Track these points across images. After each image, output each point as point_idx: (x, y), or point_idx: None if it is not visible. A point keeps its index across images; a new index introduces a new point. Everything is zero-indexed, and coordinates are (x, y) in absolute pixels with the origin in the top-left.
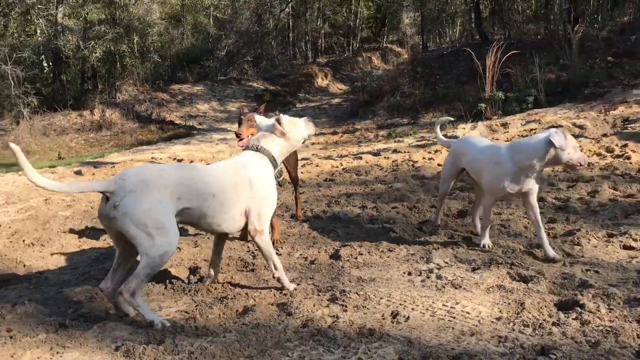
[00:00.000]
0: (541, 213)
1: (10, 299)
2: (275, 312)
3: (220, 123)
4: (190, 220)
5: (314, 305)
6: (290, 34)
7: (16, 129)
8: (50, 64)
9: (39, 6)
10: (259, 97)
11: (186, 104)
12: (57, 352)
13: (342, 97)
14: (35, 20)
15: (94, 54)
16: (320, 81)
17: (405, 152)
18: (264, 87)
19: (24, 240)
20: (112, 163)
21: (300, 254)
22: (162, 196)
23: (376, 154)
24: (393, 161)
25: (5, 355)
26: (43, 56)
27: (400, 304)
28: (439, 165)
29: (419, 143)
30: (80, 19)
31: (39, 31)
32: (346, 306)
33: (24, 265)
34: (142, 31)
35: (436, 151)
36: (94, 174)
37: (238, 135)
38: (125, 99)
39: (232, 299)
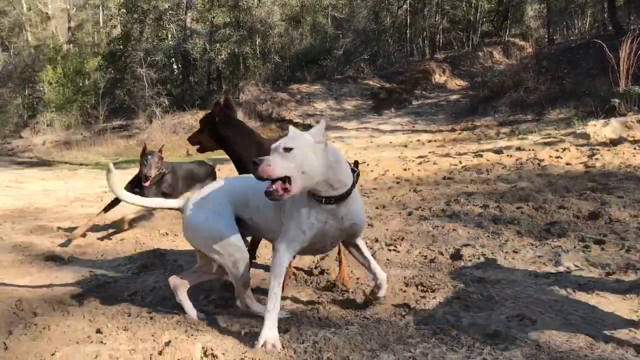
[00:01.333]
0: None
1: (149, 283)
2: (395, 309)
3: (337, 121)
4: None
5: (435, 304)
6: (408, 31)
7: (149, 127)
8: (180, 66)
9: (170, 12)
10: (374, 95)
11: (304, 103)
12: (192, 335)
13: (461, 93)
14: (167, 26)
15: (219, 56)
16: (438, 77)
17: (529, 149)
18: (380, 85)
19: (159, 230)
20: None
21: (419, 252)
22: (219, 208)
23: (498, 151)
24: (517, 159)
25: (147, 334)
26: (173, 59)
27: (527, 307)
28: (567, 164)
29: (545, 140)
30: (207, 22)
31: (169, 35)
32: (469, 306)
33: (160, 253)
34: (264, 33)
35: (564, 149)
36: (219, 170)
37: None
38: (248, 99)
39: (352, 292)
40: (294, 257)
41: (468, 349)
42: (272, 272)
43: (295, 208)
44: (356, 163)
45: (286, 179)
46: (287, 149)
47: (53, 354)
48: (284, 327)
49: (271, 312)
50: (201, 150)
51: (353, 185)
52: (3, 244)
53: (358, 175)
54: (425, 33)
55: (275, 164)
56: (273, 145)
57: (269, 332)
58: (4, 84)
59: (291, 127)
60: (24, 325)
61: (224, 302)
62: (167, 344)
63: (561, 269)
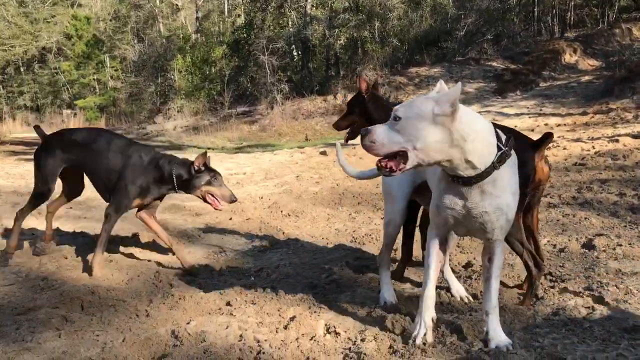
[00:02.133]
0: None
1: (274, 260)
2: (520, 297)
3: None
4: None
5: (566, 295)
6: (535, 9)
7: (270, 113)
8: (300, 52)
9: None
10: (498, 76)
11: (423, 87)
12: (315, 312)
13: (594, 74)
14: (288, 13)
15: (338, 41)
16: (569, 57)
17: None
18: (504, 66)
19: (281, 211)
20: (353, 145)
21: (548, 241)
22: None
23: (637, 136)
24: None
25: (273, 309)
26: (293, 46)
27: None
28: None
29: None
30: (326, 8)
31: (290, 22)
32: (603, 298)
33: (283, 233)
34: (383, 16)
35: None
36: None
37: None
38: None
39: (476, 279)
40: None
41: (602, 342)
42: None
43: (435, 181)
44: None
45: (399, 154)
46: (396, 118)
47: (188, 323)
48: (405, 310)
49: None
50: (352, 136)
51: (494, 167)
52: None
53: (504, 154)
54: (554, 10)
55: (380, 139)
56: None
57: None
58: (139, 73)
59: (440, 82)
60: (162, 295)
61: (345, 282)
62: (292, 319)
63: None
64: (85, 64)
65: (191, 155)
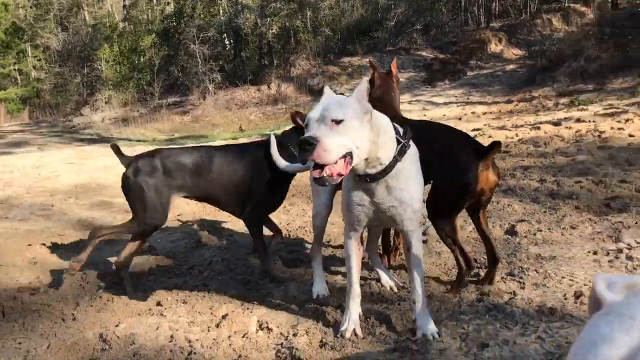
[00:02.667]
0: None
1: (206, 257)
2: (449, 285)
3: None
4: None
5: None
6: None
7: (203, 103)
8: (232, 41)
9: None
10: (428, 66)
11: (355, 76)
12: (248, 308)
13: (518, 63)
14: (219, 1)
15: (270, 31)
16: (494, 47)
17: (590, 121)
18: (433, 55)
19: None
20: None
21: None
22: None
23: (557, 123)
24: (576, 131)
25: (205, 307)
26: (225, 34)
27: (585, 285)
28: (630, 136)
29: (607, 111)
30: None
31: (221, 11)
32: (524, 283)
33: (216, 228)
34: (315, 6)
35: (627, 120)
36: None
37: None
38: (299, 73)
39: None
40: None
41: (522, 326)
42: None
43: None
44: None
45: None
46: (337, 121)
47: (117, 325)
48: (337, 302)
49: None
50: None
51: (396, 160)
52: (68, 219)
53: (404, 147)
54: (480, 1)
55: (332, 146)
56: (312, 115)
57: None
58: (64, 63)
59: (327, 89)
60: (89, 298)
61: (280, 279)
62: (224, 317)
63: (621, 245)
64: (4, 53)
65: (121, 149)
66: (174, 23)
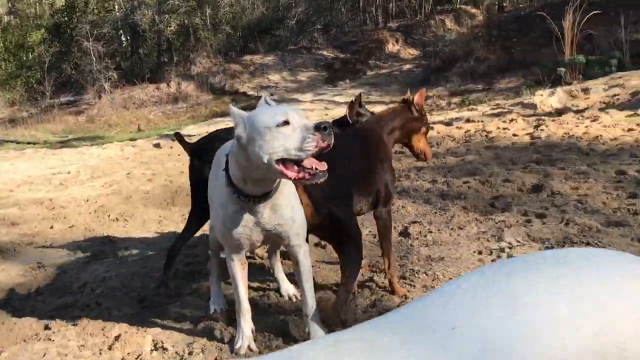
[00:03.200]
0: (621, 187)
1: (99, 273)
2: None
3: (291, 93)
4: None
5: (382, 284)
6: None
7: (98, 102)
8: (128, 38)
9: None
10: (329, 65)
11: (258, 75)
12: (142, 327)
13: (414, 62)
14: None
15: (168, 28)
16: (391, 47)
17: (478, 121)
18: (334, 55)
19: (109, 215)
20: (189, 135)
21: (370, 231)
22: None
23: (448, 123)
24: (466, 131)
25: (97, 328)
26: (121, 31)
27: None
28: (514, 135)
29: (494, 111)
30: None
31: (116, 7)
32: (415, 286)
33: (110, 241)
34: (214, 3)
35: (511, 120)
36: (171, 147)
37: None
38: (200, 71)
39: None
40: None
41: None
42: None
43: (216, 202)
44: None
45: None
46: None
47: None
48: (233, 317)
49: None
50: None
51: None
52: None
53: None
54: (378, 1)
55: None
56: (310, 123)
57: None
58: None
59: (265, 96)
60: None
61: (176, 293)
62: (117, 338)
63: (503, 244)
64: None
65: (8, 153)
66: (66, 18)
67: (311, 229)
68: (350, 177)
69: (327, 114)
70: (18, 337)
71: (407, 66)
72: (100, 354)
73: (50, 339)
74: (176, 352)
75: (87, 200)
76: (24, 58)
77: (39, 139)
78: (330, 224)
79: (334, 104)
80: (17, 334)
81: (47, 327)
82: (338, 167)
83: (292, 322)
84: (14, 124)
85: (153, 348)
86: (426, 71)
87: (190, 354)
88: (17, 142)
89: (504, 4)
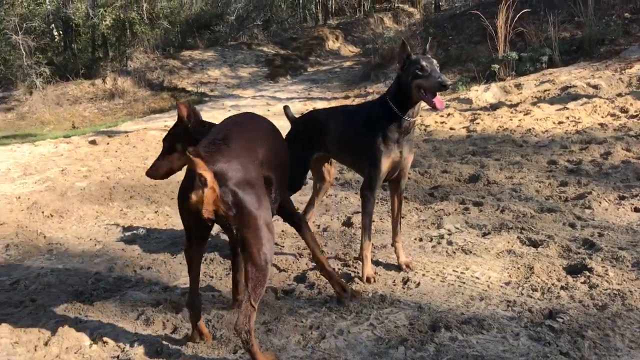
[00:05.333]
0: (553, 176)
1: (33, 269)
2: (288, 280)
3: (232, 89)
4: None
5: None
6: None
7: (29, 99)
8: (61, 32)
9: None
10: (269, 62)
11: (197, 71)
12: (80, 322)
13: (354, 60)
14: None
15: (103, 22)
16: (332, 44)
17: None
18: (275, 51)
19: (43, 212)
20: (126, 132)
21: (314, 222)
22: None
23: None
24: None
25: (32, 325)
26: (53, 25)
27: (410, 270)
28: (451, 129)
29: None
30: None
31: (47, 0)
32: (358, 273)
33: (45, 237)
34: None
35: (448, 115)
36: (108, 144)
37: None
38: (137, 67)
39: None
40: None
41: (356, 315)
42: None
43: None
44: None
45: None
46: None
47: None
48: (177, 307)
49: None
50: (167, 175)
51: None
52: None
53: None
54: None
55: None
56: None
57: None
58: None
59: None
60: None
61: (115, 287)
62: (54, 333)
63: (442, 231)
64: None
65: None
66: None
67: (214, 218)
68: (270, 165)
69: (268, 110)
70: None
71: (348, 63)
72: (35, 350)
73: None
74: (117, 346)
75: (19, 198)
76: None
77: None
78: (237, 215)
79: (275, 100)
80: None
81: None
82: (254, 148)
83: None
84: None
85: (92, 342)
86: (366, 68)
87: (132, 346)
88: None
89: (440, 3)
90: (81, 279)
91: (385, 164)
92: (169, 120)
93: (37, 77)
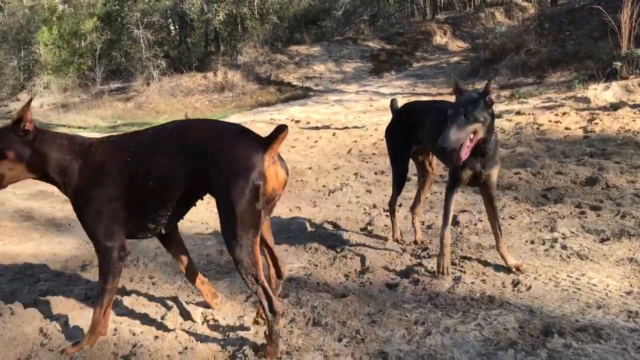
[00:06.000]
0: None
1: (151, 249)
2: (391, 274)
3: (336, 84)
4: None
5: (432, 270)
6: None
7: (147, 89)
8: (177, 27)
9: None
10: (374, 57)
11: (303, 65)
12: (193, 300)
13: (462, 55)
14: None
15: (217, 17)
16: (439, 39)
17: (529, 114)
18: (380, 46)
19: None
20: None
21: (419, 218)
22: None
23: (498, 116)
24: (516, 124)
25: (150, 300)
26: (170, 20)
27: (522, 273)
28: (566, 129)
29: (545, 104)
30: None
31: None
32: (465, 272)
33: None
34: None
35: (564, 114)
36: None
37: None
38: (246, 61)
39: (350, 258)
40: None
41: (463, 314)
42: None
43: None
44: None
45: None
46: None
47: (58, 319)
48: (283, 292)
49: None
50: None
51: None
52: (5, 209)
53: None
54: None
55: None
56: None
57: None
58: None
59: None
60: (28, 291)
61: (226, 267)
62: (170, 309)
63: (556, 235)
64: None
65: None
66: (117, 7)
67: None
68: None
69: (371, 105)
70: (75, 305)
71: (455, 58)
72: (152, 323)
73: None
74: (227, 325)
75: None
76: (77, 45)
77: (89, 124)
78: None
79: (378, 95)
80: (73, 302)
81: None
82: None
83: (342, 300)
84: (66, 109)
85: (204, 320)
86: (475, 63)
87: (241, 327)
88: (68, 127)
89: None
90: (193, 259)
91: (464, 172)
92: (275, 113)
93: (154, 69)
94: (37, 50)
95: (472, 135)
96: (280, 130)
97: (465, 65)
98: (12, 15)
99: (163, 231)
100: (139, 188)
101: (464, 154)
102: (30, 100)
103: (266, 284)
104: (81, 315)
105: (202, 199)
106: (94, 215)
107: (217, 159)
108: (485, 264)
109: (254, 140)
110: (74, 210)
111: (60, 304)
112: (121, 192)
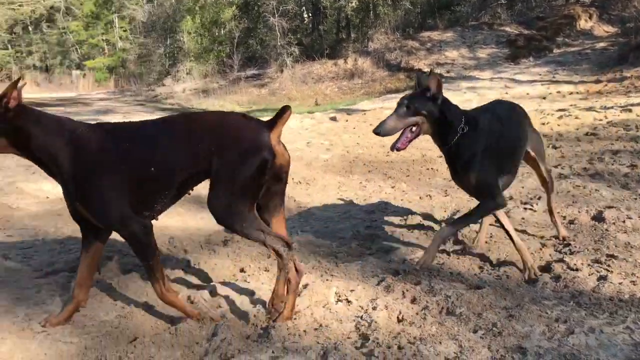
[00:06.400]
0: None
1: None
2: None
3: (469, 71)
4: None
5: (575, 266)
6: None
7: (280, 76)
8: (310, 14)
9: None
10: (511, 42)
11: (435, 52)
12: (327, 280)
13: (609, 40)
14: None
15: (349, 4)
16: (584, 23)
17: None
18: (518, 31)
19: (292, 179)
20: (363, 110)
21: (558, 212)
22: None
23: None
24: None
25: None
26: (304, 7)
27: None
28: None
29: None
30: None
31: None
32: (612, 271)
33: (295, 201)
34: None
35: None
36: (347, 120)
37: None
38: (376, 48)
39: (488, 251)
40: None
41: (610, 315)
42: None
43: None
44: None
45: None
46: None
47: (204, 289)
48: (414, 280)
49: None
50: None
51: None
52: None
53: None
54: None
55: None
56: None
57: None
58: (148, 34)
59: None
60: (175, 261)
61: (358, 250)
62: (305, 286)
63: None
64: (94, 24)
65: None
66: None
67: None
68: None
69: (507, 93)
70: (218, 277)
71: (601, 44)
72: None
73: (246, 281)
74: (360, 306)
75: None
76: (217, 34)
77: (226, 108)
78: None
79: (514, 83)
80: (217, 274)
81: (242, 270)
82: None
83: (477, 292)
84: (206, 94)
85: (337, 299)
86: (624, 49)
87: (374, 309)
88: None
89: None
90: (326, 241)
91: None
92: None
93: (287, 57)
94: (181, 38)
95: (413, 128)
96: (284, 111)
97: (612, 52)
98: (161, 6)
99: (156, 219)
100: (143, 175)
101: (401, 143)
102: (19, 79)
103: (269, 229)
104: (224, 287)
105: None
106: (106, 201)
107: (224, 142)
108: (636, 264)
109: (259, 122)
110: (75, 198)
111: (206, 275)
112: (126, 178)
